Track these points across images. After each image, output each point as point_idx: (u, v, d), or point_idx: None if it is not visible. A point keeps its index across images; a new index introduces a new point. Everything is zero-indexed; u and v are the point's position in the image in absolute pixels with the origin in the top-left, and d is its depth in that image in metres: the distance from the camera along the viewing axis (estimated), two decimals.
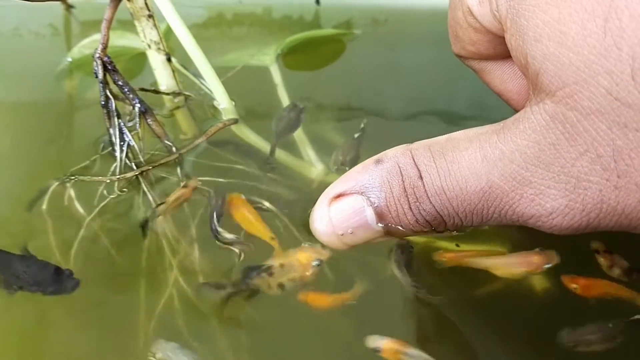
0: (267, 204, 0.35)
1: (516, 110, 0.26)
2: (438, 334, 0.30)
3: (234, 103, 0.42)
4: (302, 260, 0.31)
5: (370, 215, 0.23)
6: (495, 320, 0.31)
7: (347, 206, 0.23)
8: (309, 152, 0.40)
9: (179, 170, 0.37)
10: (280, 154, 0.39)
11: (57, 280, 0.30)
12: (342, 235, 0.24)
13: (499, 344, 0.30)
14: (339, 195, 0.23)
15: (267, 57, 0.48)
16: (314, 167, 0.38)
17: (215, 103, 0.42)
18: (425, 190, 0.22)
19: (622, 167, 0.18)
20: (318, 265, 0.31)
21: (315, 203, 0.24)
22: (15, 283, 0.29)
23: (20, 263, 0.30)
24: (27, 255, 0.31)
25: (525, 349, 0.30)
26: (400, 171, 0.22)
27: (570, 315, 0.31)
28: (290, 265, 0.31)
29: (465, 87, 0.44)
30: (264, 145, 0.40)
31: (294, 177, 0.38)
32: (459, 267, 0.32)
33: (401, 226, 0.23)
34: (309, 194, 0.36)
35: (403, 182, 0.22)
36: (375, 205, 0.23)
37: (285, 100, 0.44)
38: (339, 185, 0.24)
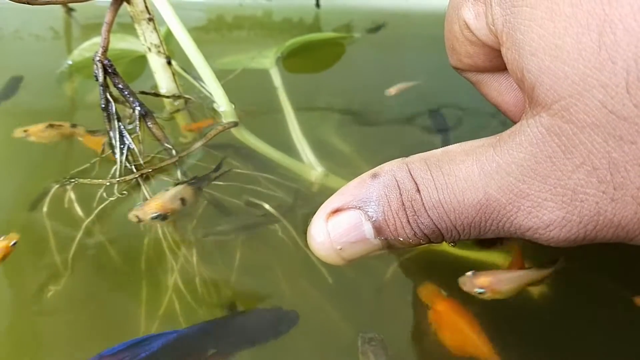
0: (267, 206, 0.35)
1: (513, 122, 0.26)
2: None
3: (233, 106, 0.42)
4: (152, 203, 0.33)
5: (368, 229, 0.23)
6: (495, 322, 0.31)
7: (344, 221, 0.23)
8: (309, 155, 0.40)
9: (178, 172, 0.37)
10: (280, 157, 0.39)
11: (282, 318, 0.30)
12: (341, 249, 0.24)
13: (498, 345, 0.30)
14: (337, 210, 0.23)
15: (267, 60, 0.48)
16: (314, 169, 0.38)
17: (215, 106, 0.42)
18: (423, 203, 0.22)
19: (618, 180, 0.18)
20: (155, 218, 0.33)
21: (314, 206, 0.25)
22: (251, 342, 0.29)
23: (249, 319, 0.29)
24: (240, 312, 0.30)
25: (524, 350, 0.30)
26: (398, 185, 0.22)
27: (566, 317, 0.31)
28: (147, 203, 0.34)
29: (465, 91, 0.44)
30: (263, 148, 0.40)
31: (293, 179, 0.38)
32: (453, 269, 0.32)
33: (399, 239, 0.23)
34: (309, 197, 0.36)
35: (401, 195, 0.22)
36: (374, 219, 0.23)
37: (285, 103, 0.44)
38: (335, 199, 0.24)
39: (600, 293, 0.32)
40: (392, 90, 0.40)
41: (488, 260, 0.33)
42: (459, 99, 0.46)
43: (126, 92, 0.37)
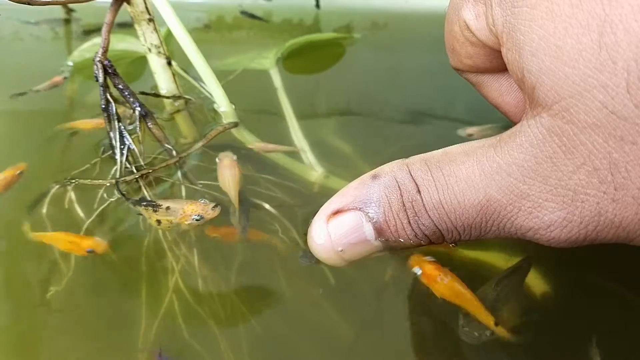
0: (267, 206, 0.35)
1: (514, 123, 0.26)
2: (438, 336, 0.30)
3: (234, 106, 0.42)
4: (187, 210, 0.33)
5: (369, 230, 0.23)
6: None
7: (345, 222, 0.23)
8: (309, 155, 0.40)
9: (179, 173, 0.37)
10: (281, 157, 0.39)
11: None
12: (341, 251, 0.24)
13: (497, 347, 0.30)
14: (337, 212, 0.23)
15: (267, 61, 0.48)
16: (314, 170, 0.38)
17: (215, 106, 0.42)
18: (424, 204, 0.22)
19: (619, 180, 0.18)
20: (197, 220, 0.33)
21: (315, 206, 0.25)
22: None
23: None
24: None
25: (523, 349, 0.30)
26: (399, 186, 0.22)
27: (567, 317, 0.31)
28: (174, 210, 0.33)
29: (465, 91, 0.44)
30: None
31: (294, 180, 0.38)
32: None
33: (400, 240, 0.23)
34: (310, 197, 0.36)
35: (402, 196, 0.22)
36: (374, 220, 0.23)
37: (285, 104, 0.44)
38: (336, 201, 0.24)
39: (600, 293, 0.32)
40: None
41: (488, 260, 0.33)
42: (458, 99, 0.46)
43: (126, 93, 0.37)
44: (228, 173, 0.37)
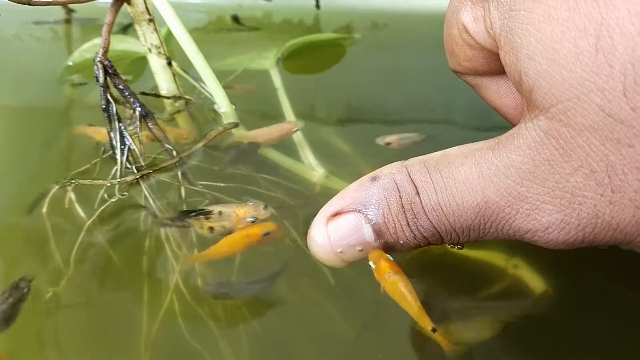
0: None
1: (513, 125, 0.26)
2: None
3: (234, 107, 0.42)
4: (240, 213, 0.33)
5: (368, 232, 0.23)
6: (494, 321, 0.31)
7: (344, 224, 0.23)
8: (309, 156, 0.40)
9: (179, 173, 0.37)
10: (281, 158, 0.39)
11: None
12: (341, 252, 0.24)
13: (497, 347, 0.30)
14: (336, 213, 0.24)
15: (267, 61, 0.48)
16: (315, 170, 0.38)
17: (215, 107, 0.42)
18: (423, 206, 0.22)
19: (616, 183, 0.18)
20: (253, 221, 0.32)
21: (315, 207, 0.25)
22: None
23: None
24: None
25: (522, 349, 0.30)
26: (398, 187, 0.22)
27: (567, 317, 0.31)
28: (227, 215, 0.33)
29: (465, 92, 0.44)
30: (264, 149, 0.40)
31: (294, 181, 0.38)
32: (454, 269, 0.32)
33: (399, 242, 0.23)
34: (310, 198, 0.36)
35: (401, 198, 0.22)
36: (373, 222, 0.23)
37: (285, 104, 0.44)
38: (335, 202, 0.24)
39: (600, 293, 0.32)
40: None
41: (488, 259, 0.33)
42: (458, 100, 0.46)
43: (126, 93, 0.37)
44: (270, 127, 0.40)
